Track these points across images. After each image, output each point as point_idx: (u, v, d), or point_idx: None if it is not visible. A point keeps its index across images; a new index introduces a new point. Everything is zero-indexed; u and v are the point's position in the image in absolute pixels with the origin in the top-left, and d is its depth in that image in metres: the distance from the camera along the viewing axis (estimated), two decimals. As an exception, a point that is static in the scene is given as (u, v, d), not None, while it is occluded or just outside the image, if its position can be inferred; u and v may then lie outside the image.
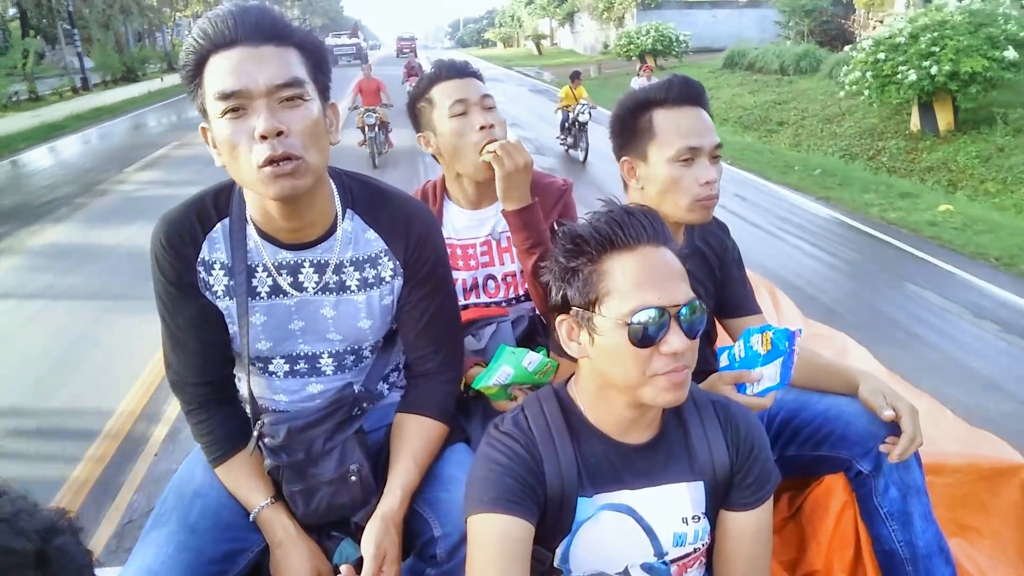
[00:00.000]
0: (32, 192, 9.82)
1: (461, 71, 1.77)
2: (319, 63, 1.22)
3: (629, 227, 1.06)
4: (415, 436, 1.36)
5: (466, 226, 1.85)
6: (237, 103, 1.12)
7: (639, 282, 1.03)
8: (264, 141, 1.11)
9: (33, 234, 7.36)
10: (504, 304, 1.86)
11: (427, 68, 1.98)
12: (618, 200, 1.16)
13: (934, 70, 9.46)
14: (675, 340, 1.03)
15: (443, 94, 1.74)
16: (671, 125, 1.48)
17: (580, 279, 1.07)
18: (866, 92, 10.83)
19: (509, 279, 1.87)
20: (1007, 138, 9.28)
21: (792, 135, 13.56)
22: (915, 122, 10.70)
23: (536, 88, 22.25)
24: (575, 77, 12.16)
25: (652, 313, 1.02)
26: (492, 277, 1.87)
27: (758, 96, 16.15)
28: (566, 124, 11.74)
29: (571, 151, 11.73)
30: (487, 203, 1.83)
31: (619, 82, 20.33)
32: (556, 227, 1.74)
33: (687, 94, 1.49)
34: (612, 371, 1.07)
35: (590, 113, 11.00)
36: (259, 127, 1.10)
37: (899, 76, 9.89)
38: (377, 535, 1.22)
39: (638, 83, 11.93)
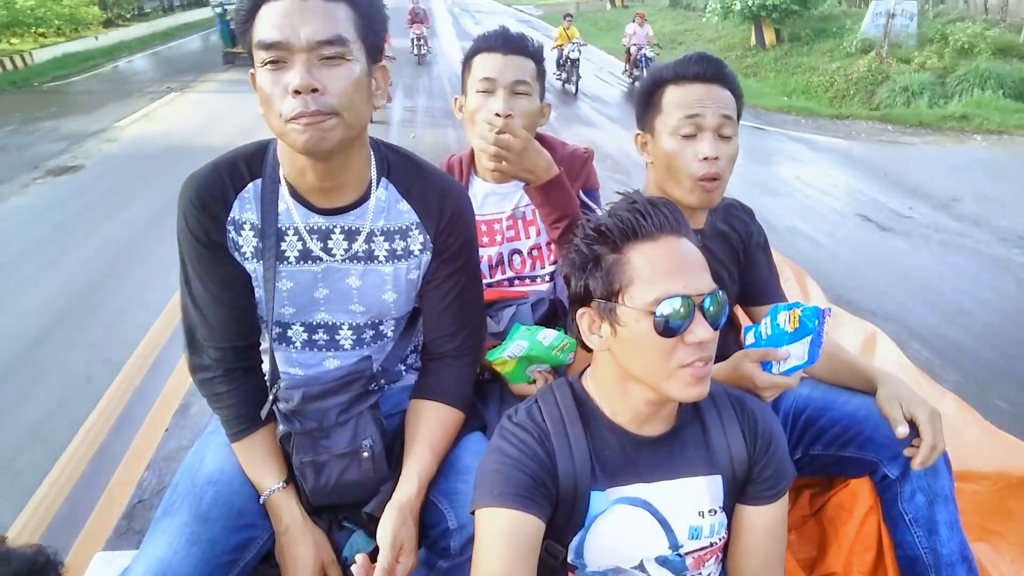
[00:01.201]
0: (194, 58, 17.63)
1: (505, 45, 1.68)
2: (371, 22, 1.17)
3: (652, 216, 1.04)
4: (431, 423, 1.33)
5: (491, 200, 1.80)
6: (277, 55, 1.10)
7: (664, 271, 1.02)
8: (297, 96, 1.08)
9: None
10: (529, 280, 1.82)
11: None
12: (630, 189, 1.16)
13: (751, 2, 14.92)
14: (700, 330, 1.00)
15: (479, 66, 1.69)
16: (676, 99, 1.46)
17: (602, 269, 1.05)
18: (715, 18, 16.85)
19: (535, 252, 1.83)
20: (792, 47, 15.13)
21: (683, 51, 19.52)
22: (752, 39, 16.12)
23: (521, 19, 27.78)
24: (567, 17, 14.01)
25: (677, 302, 1.00)
26: (518, 251, 1.83)
27: (678, 27, 21.60)
28: (560, 61, 13.54)
29: (566, 85, 13.65)
30: (511, 178, 1.74)
31: (591, 16, 26.75)
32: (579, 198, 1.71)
33: (700, 71, 1.44)
34: (635, 364, 1.05)
35: (580, 51, 13.07)
36: (293, 81, 1.08)
37: (734, 6, 15.51)
38: (394, 525, 1.19)
39: (632, 28, 14.10)
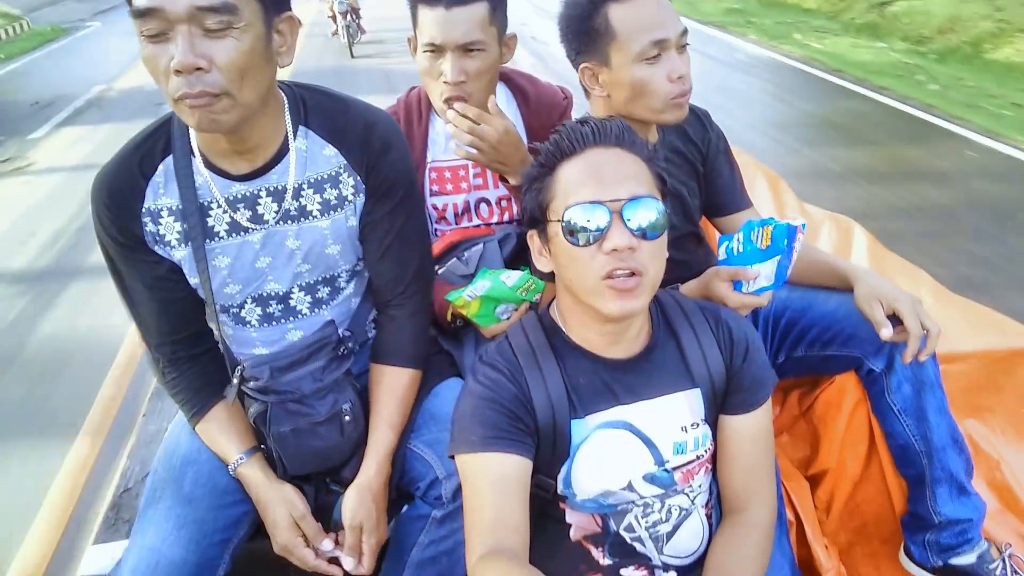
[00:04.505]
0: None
1: None
2: None
3: (576, 133, 1.05)
4: (387, 393, 1.31)
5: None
6: (155, 26, 0.97)
7: (578, 180, 1.03)
8: (180, 75, 0.98)
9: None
10: (496, 228, 1.74)
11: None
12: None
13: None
14: (615, 236, 0.98)
15: (422, 22, 1.50)
16: (630, 20, 1.31)
17: (536, 190, 1.08)
18: None
19: (504, 203, 1.74)
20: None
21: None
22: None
23: None
24: None
25: (586, 208, 0.99)
26: (485, 200, 1.74)
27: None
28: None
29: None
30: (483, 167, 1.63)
31: None
32: None
33: None
34: (569, 280, 1.05)
35: None
36: (174, 60, 0.97)
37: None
38: (353, 507, 1.23)
39: None
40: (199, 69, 0.98)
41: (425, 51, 1.51)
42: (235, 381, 1.24)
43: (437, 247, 1.63)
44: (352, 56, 9.83)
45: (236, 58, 1.00)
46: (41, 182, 5.96)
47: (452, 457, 1.08)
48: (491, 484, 1.01)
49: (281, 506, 1.23)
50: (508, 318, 1.48)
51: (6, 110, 8.37)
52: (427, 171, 1.70)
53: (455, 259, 1.63)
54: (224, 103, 1.02)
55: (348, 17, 10.11)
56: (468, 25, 1.45)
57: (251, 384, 1.24)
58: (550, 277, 1.13)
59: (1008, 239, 3.75)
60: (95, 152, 6.52)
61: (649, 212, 1.00)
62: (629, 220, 0.99)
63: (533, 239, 1.12)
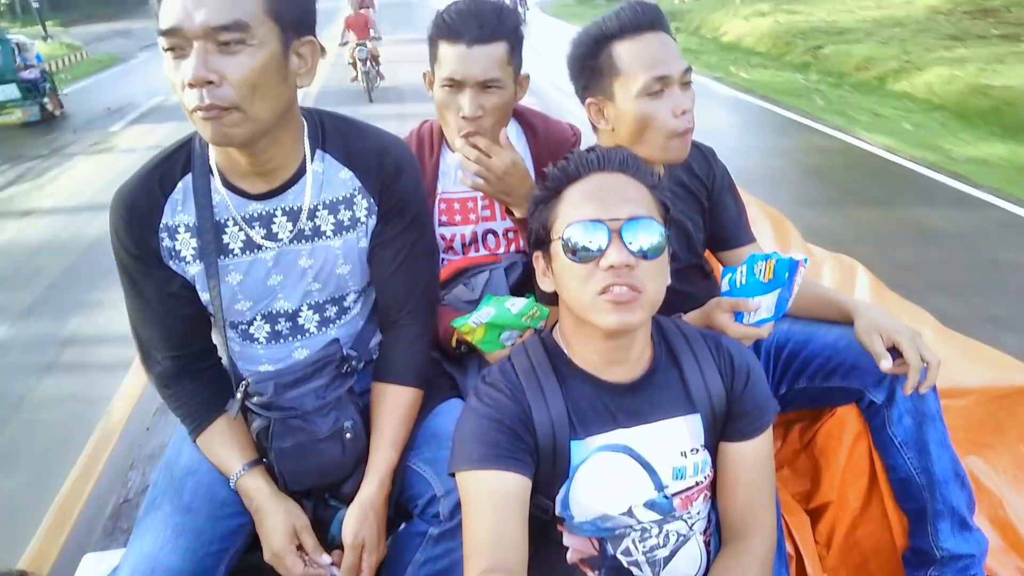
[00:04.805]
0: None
1: (470, 34, 1.48)
2: None
3: (581, 158, 1.10)
4: (390, 412, 1.32)
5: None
6: (174, 42, 1.03)
7: (580, 202, 1.06)
8: (193, 88, 1.03)
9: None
10: (503, 257, 1.75)
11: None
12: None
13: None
14: (613, 253, 1.01)
15: (442, 58, 1.53)
16: (633, 57, 1.36)
17: (541, 212, 1.11)
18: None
19: (510, 235, 1.76)
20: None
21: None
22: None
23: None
24: None
25: (585, 226, 1.03)
26: (492, 232, 1.77)
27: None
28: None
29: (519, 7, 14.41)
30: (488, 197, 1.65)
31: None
32: None
33: (642, 20, 1.36)
34: (569, 297, 1.07)
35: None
36: (186, 73, 1.02)
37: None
38: (355, 524, 1.22)
39: None
40: (210, 83, 1.02)
41: (444, 85, 1.54)
42: (239, 396, 1.26)
43: (443, 273, 1.66)
44: (371, 100, 10.09)
45: (247, 74, 1.04)
46: (123, 157, 8.12)
47: (452, 475, 1.09)
48: (490, 502, 1.02)
49: (282, 515, 1.24)
50: (512, 345, 1.50)
51: (86, 113, 11.27)
52: (437, 202, 1.73)
53: (461, 285, 1.66)
54: (234, 116, 1.06)
55: (368, 64, 10.42)
56: (487, 63, 1.50)
57: (255, 399, 1.25)
58: (554, 301, 1.14)
59: (816, 185, 5.91)
60: (163, 139, 7.84)
61: (649, 234, 1.03)
62: (629, 241, 1.01)
63: (538, 260, 1.15)
